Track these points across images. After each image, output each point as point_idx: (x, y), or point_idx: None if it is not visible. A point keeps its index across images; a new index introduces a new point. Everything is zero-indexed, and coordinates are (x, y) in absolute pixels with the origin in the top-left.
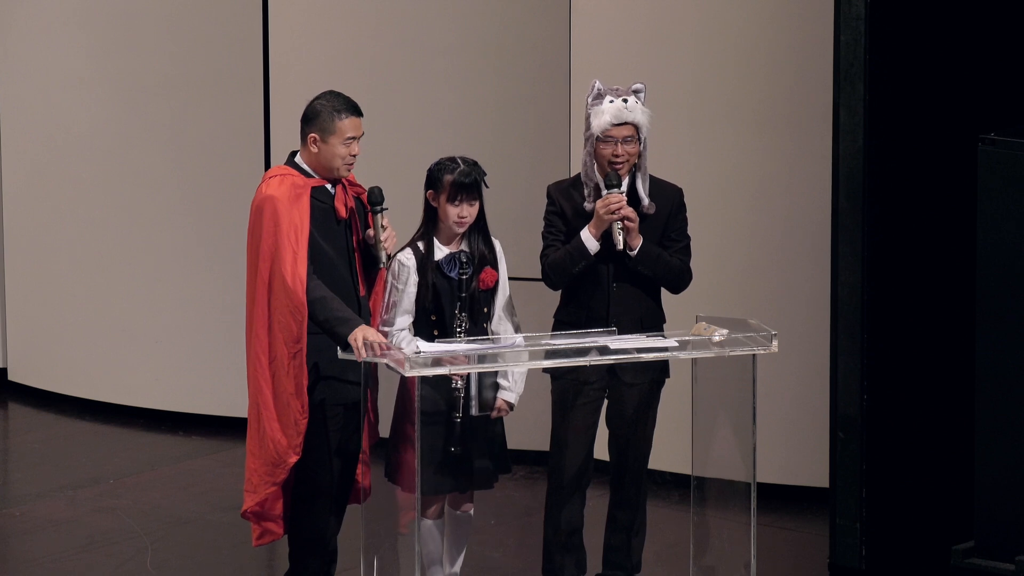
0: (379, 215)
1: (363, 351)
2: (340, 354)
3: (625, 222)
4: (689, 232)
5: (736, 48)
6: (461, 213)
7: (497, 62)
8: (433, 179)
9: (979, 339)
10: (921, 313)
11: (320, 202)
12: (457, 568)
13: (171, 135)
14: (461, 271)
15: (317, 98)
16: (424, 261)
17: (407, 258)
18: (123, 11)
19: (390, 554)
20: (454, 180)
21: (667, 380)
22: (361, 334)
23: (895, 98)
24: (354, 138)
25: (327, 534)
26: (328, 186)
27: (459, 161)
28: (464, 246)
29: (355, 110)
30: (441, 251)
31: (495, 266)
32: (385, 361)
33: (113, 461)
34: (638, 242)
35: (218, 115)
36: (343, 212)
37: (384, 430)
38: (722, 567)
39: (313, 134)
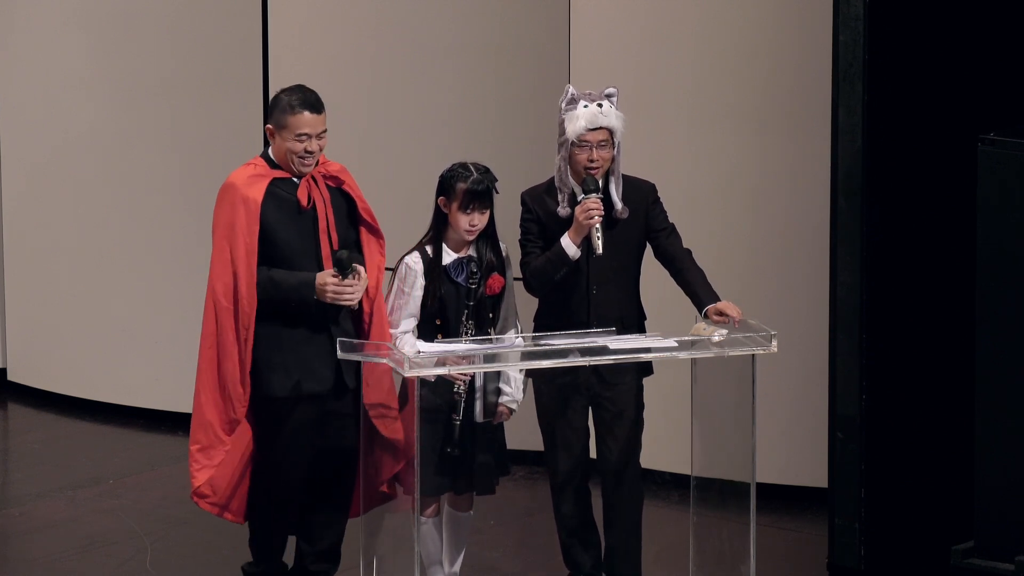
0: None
1: (346, 296)
2: (340, 355)
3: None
4: (688, 232)
5: (736, 48)
6: (472, 221)
7: (497, 62)
8: (445, 186)
9: (979, 339)
10: (920, 313)
11: (282, 191)
12: (456, 568)
13: (171, 135)
14: (470, 280)
15: (282, 89)
16: (433, 266)
17: (415, 262)
18: (123, 11)
19: (390, 554)
20: (467, 188)
21: (650, 377)
22: (328, 292)
23: (894, 98)
24: (308, 135)
25: (275, 528)
26: (294, 178)
27: (471, 168)
28: (472, 251)
29: (311, 106)
30: (449, 256)
31: (502, 272)
32: (386, 360)
33: (113, 461)
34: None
35: (218, 115)
36: (304, 202)
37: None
38: (722, 567)
39: (270, 126)
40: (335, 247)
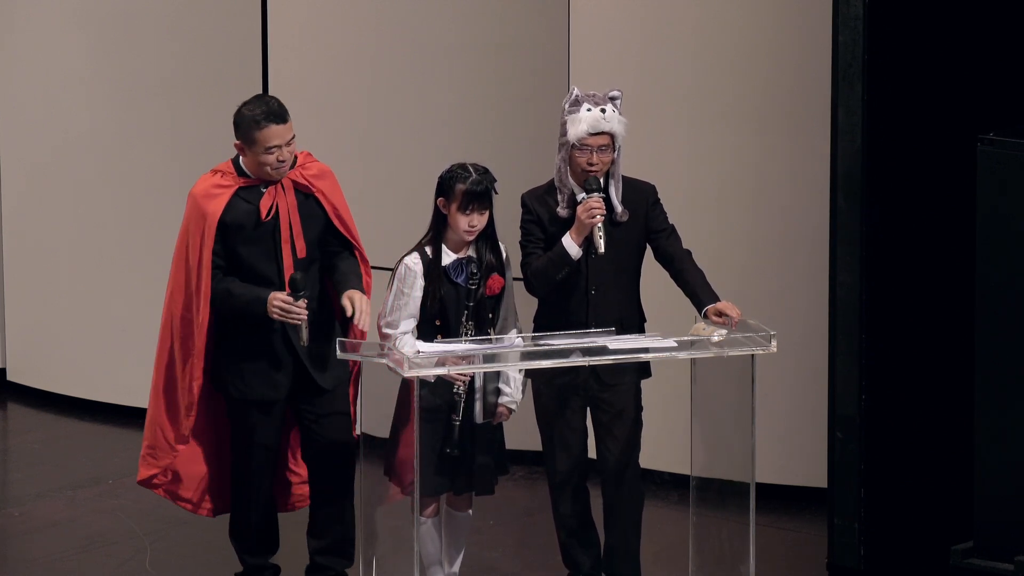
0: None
1: (294, 315)
2: (339, 354)
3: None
4: (687, 232)
5: (735, 48)
6: (472, 222)
7: (497, 62)
8: (444, 187)
9: (979, 339)
10: (920, 313)
11: (247, 201)
12: (456, 568)
13: (171, 135)
14: (470, 281)
15: (244, 104)
16: (432, 267)
17: (415, 263)
18: (123, 11)
19: (389, 554)
20: (466, 189)
21: (648, 380)
22: (275, 311)
23: (894, 98)
24: (278, 146)
25: (252, 525)
26: (261, 186)
27: (470, 169)
28: (471, 252)
29: (276, 118)
30: (448, 256)
31: (502, 272)
32: (384, 361)
33: (113, 461)
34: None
35: (218, 115)
36: (263, 214)
37: (384, 430)
38: (721, 567)
39: (238, 142)
40: (301, 255)
